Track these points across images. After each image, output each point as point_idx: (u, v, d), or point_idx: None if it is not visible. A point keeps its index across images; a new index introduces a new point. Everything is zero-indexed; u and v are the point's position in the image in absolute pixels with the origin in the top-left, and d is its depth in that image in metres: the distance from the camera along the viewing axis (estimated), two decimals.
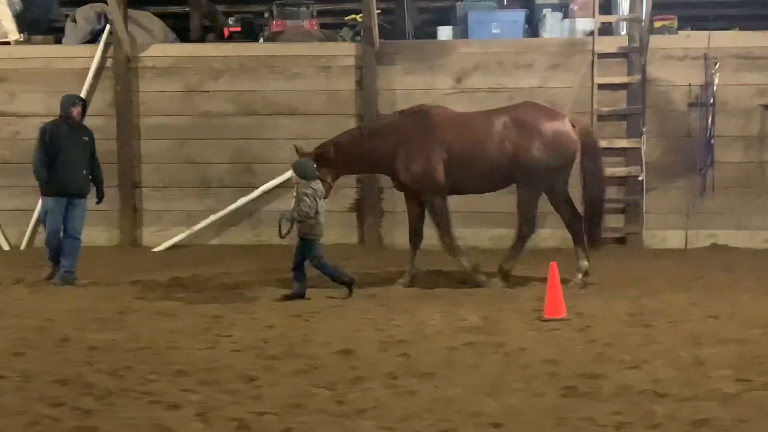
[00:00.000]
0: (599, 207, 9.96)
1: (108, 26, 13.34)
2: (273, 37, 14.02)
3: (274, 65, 13.29)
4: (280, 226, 9.12)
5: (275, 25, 14.07)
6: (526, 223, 9.76)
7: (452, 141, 9.67)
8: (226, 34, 14.93)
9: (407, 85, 13.06)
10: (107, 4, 12.99)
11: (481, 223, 12.63)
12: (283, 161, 11.96)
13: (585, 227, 9.85)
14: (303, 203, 8.99)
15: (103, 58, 13.31)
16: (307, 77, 13.24)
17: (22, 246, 13.24)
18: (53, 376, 6.35)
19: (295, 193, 9.29)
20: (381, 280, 10.21)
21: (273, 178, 13.00)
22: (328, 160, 9.62)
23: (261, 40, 14.35)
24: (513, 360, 6.81)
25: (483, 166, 9.65)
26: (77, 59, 13.41)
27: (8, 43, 13.55)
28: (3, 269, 11.20)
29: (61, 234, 10.33)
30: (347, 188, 12.97)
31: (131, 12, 13.64)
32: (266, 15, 14.59)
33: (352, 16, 15.20)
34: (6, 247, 13.30)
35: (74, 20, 13.99)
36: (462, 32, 13.61)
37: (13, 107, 13.47)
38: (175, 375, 6.43)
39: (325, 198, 9.36)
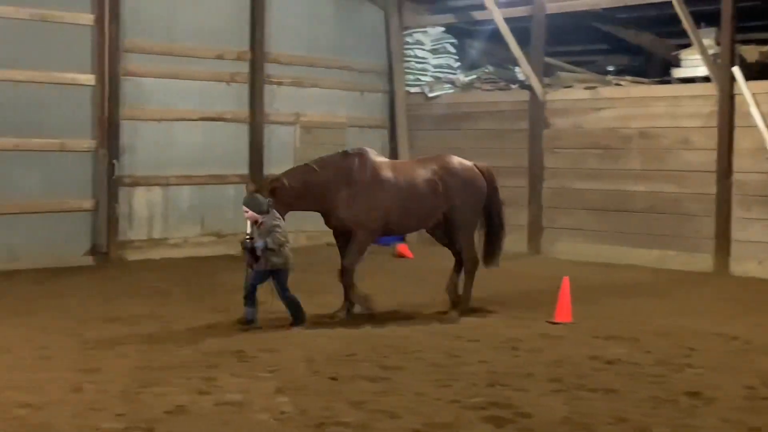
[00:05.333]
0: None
1: None
2: None
3: None
4: (249, 255, 9.07)
5: None
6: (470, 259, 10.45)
7: (394, 183, 10.15)
8: None
9: None
10: None
11: None
12: None
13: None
14: (276, 233, 8.98)
15: None
16: None
17: None
18: None
19: (249, 230, 9.21)
20: None
21: None
22: (281, 194, 9.63)
23: None
24: None
25: (419, 207, 10.26)
26: None
27: None
28: None
29: None
30: None
31: None
32: None
33: None
34: None
35: None
36: None
37: None
38: None
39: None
